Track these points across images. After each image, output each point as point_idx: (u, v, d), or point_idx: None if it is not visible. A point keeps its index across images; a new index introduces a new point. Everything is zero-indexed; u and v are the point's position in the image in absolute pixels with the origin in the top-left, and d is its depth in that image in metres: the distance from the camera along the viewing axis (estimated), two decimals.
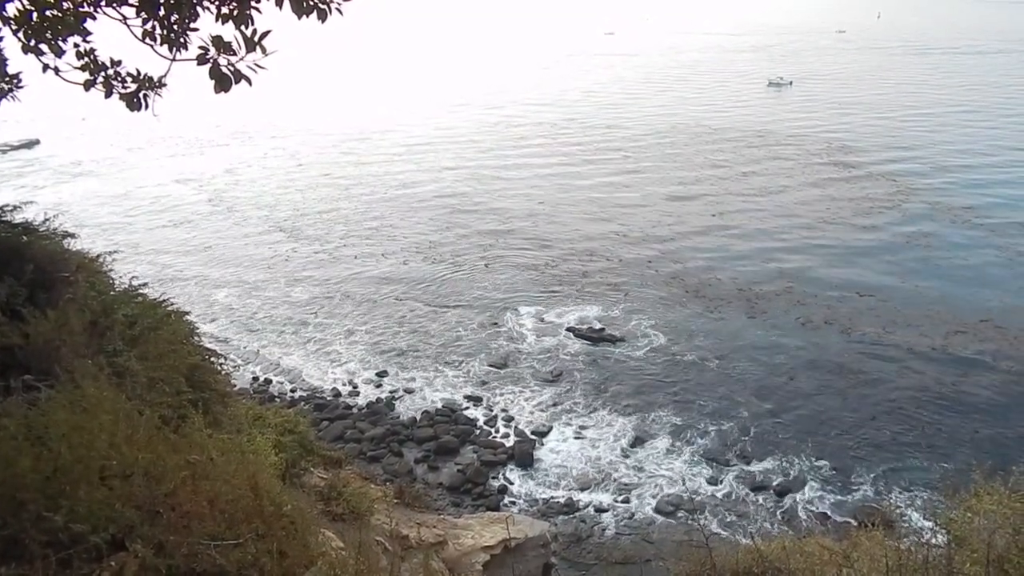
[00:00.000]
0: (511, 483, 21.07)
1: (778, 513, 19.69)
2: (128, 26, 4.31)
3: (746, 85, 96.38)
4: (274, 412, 11.72)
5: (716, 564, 7.31)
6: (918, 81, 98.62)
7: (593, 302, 32.14)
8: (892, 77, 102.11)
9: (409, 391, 26.01)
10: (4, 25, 4.45)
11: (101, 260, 7.79)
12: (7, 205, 6.97)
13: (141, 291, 7.76)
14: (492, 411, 24.67)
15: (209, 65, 4.13)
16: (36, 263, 5.98)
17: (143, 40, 4.33)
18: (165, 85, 4.85)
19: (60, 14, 4.42)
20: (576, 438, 23.12)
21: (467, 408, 24.85)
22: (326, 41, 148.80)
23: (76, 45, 4.65)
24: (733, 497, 20.38)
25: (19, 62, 5.15)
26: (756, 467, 21.46)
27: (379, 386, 26.41)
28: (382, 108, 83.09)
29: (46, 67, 4.64)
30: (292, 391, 26.15)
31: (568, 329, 29.82)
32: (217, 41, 4.09)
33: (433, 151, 62.15)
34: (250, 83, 4.20)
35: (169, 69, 4.56)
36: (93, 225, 40.32)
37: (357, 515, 9.60)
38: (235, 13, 4.16)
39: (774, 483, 20.78)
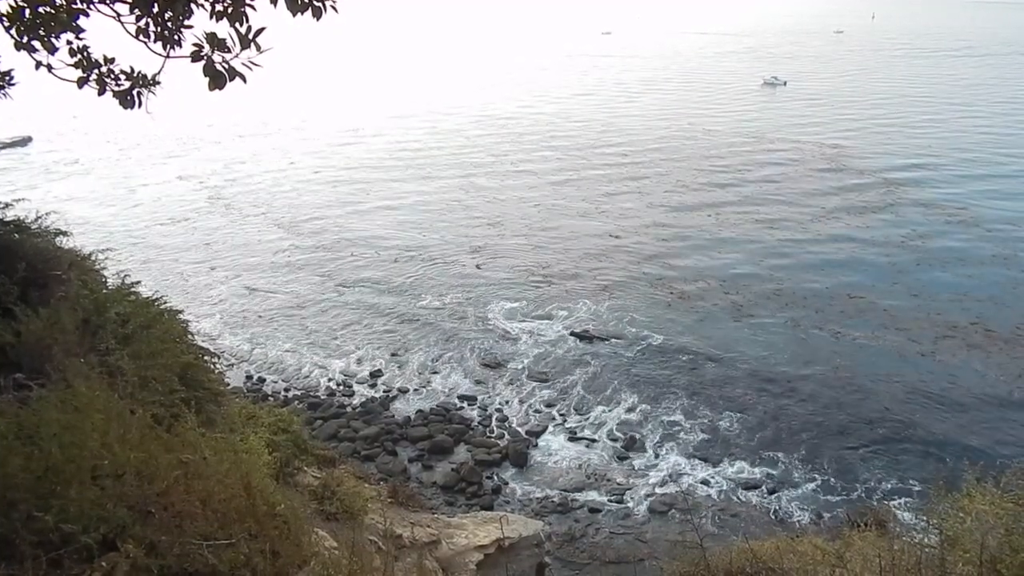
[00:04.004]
0: (505, 482, 21.06)
1: (771, 513, 19.75)
2: (122, 23, 4.28)
3: (741, 85, 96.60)
4: (268, 411, 11.68)
5: (710, 564, 7.32)
6: (913, 82, 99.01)
7: (587, 302, 32.17)
8: (886, 78, 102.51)
9: (403, 390, 25.98)
10: None
11: (93, 258, 7.75)
12: None
13: (134, 289, 7.73)
14: (486, 411, 24.67)
15: (203, 62, 4.11)
16: (28, 261, 5.96)
17: (137, 37, 4.31)
18: (159, 83, 4.84)
19: (53, 11, 4.39)
20: (570, 438, 23.14)
21: (461, 407, 24.84)
22: (321, 39, 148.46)
23: (69, 42, 4.63)
24: (726, 497, 20.43)
25: (11, 59, 5.11)
26: (749, 467, 21.52)
27: (373, 385, 26.37)
28: (375, 108, 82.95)
29: (39, 64, 4.61)
30: (286, 390, 26.07)
31: (562, 329, 29.84)
32: (212, 38, 4.07)
33: (426, 151, 62.04)
34: (244, 80, 4.19)
35: (163, 67, 4.54)
36: (85, 223, 40.07)
37: (351, 514, 9.58)
38: (230, 10, 4.15)
39: (767, 483, 20.85)
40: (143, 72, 4.80)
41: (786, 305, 31.70)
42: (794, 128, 68.12)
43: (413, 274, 35.75)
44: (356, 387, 26.29)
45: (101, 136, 67.64)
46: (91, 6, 4.41)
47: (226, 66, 4.11)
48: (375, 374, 26.99)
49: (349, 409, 24.80)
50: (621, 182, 51.23)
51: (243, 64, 4.12)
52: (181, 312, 8.69)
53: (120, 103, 4.75)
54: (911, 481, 20.47)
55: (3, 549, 3.35)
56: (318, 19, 4.17)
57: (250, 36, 4.02)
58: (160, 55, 4.39)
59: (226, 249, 39.62)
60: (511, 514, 18.14)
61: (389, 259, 37.71)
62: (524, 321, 30.72)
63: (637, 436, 23.07)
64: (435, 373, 27.06)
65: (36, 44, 4.48)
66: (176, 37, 4.35)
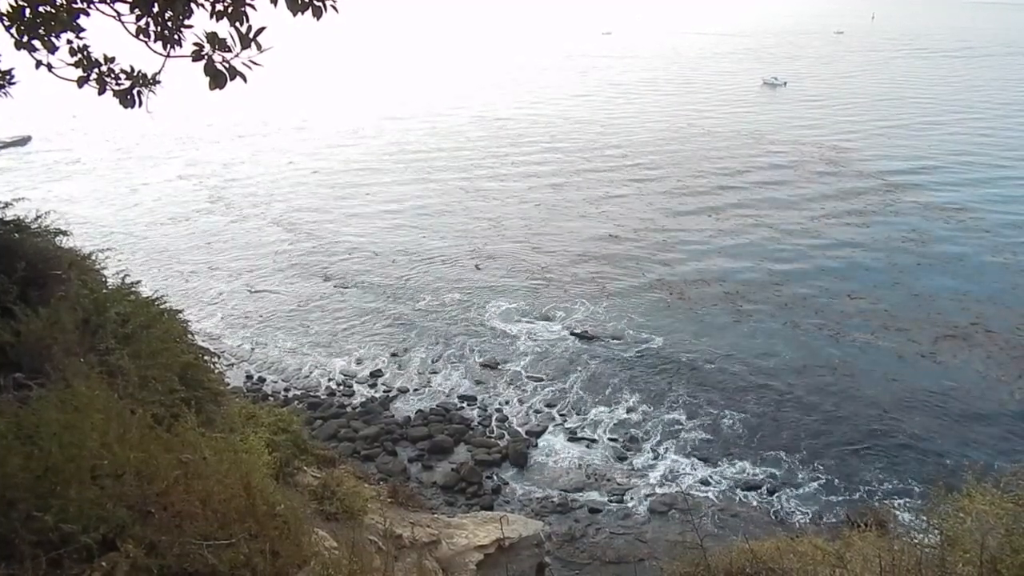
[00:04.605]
0: (505, 482, 21.06)
1: (771, 513, 19.76)
2: (122, 22, 4.28)
3: (741, 85, 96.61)
4: (267, 411, 11.67)
5: (710, 564, 7.32)
6: (913, 83, 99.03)
7: (586, 303, 32.17)
8: (886, 78, 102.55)
9: (403, 390, 25.98)
10: None
11: (93, 258, 7.74)
12: None
13: (134, 289, 7.72)
14: (486, 411, 24.67)
15: (204, 62, 4.11)
16: (28, 260, 5.95)
17: (137, 37, 4.31)
18: (159, 82, 4.84)
19: (53, 10, 4.39)
20: (570, 438, 23.14)
21: (461, 407, 24.83)
22: (321, 39, 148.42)
23: (69, 41, 4.62)
24: (726, 497, 20.43)
25: (11, 58, 5.11)
26: (749, 468, 21.52)
27: (373, 385, 26.37)
28: (375, 108, 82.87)
29: (39, 63, 4.61)
30: (286, 390, 26.07)
31: (562, 329, 29.85)
32: (212, 38, 4.07)
33: (426, 152, 62.01)
34: (245, 80, 4.19)
35: (163, 66, 4.54)
36: (86, 223, 40.08)
37: (351, 514, 9.57)
38: (230, 10, 4.15)
39: (767, 483, 20.85)
40: (143, 71, 4.80)
41: (786, 306, 31.69)
42: (794, 129, 68.13)
43: (412, 274, 35.75)
44: (356, 387, 26.29)
45: (101, 136, 67.61)
46: (91, 5, 4.40)
47: (226, 66, 4.11)
48: (375, 374, 26.99)
49: (349, 409, 24.79)
50: (621, 183, 51.21)
51: (243, 64, 4.12)
52: (181, 312, 8.67)
53: (120, 102, 4.75)
54: (911, 482, 20.47)
55: (3, 549, 3.35)
56: (318, 19, 4.17)
57: (250, 36, 4.02)
58: (160, 55, 4.38)
59: (226, 249, 39.61)
60: (511, 514, 18.12)
61: (388, 259, 37.70)
62: (524, 321, 30.72)
63: (637, 436, 23.07)
64: (435, 373, 27.06)
65: (36, 43, 4.47)
66: (176, 36, 4.34)
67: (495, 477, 21.26)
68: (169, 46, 4.35)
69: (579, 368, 27.03)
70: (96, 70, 4.72)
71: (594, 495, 20.51)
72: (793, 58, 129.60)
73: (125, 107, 4.78)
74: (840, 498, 20.19)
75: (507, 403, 25.08)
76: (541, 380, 26.37)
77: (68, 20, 4.41)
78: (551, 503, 20.08)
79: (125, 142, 65.76)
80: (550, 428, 23.65)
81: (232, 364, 26.23)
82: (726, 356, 27.51)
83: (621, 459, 22.14)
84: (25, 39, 4.43)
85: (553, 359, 27.72)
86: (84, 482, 3.66)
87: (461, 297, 33.09)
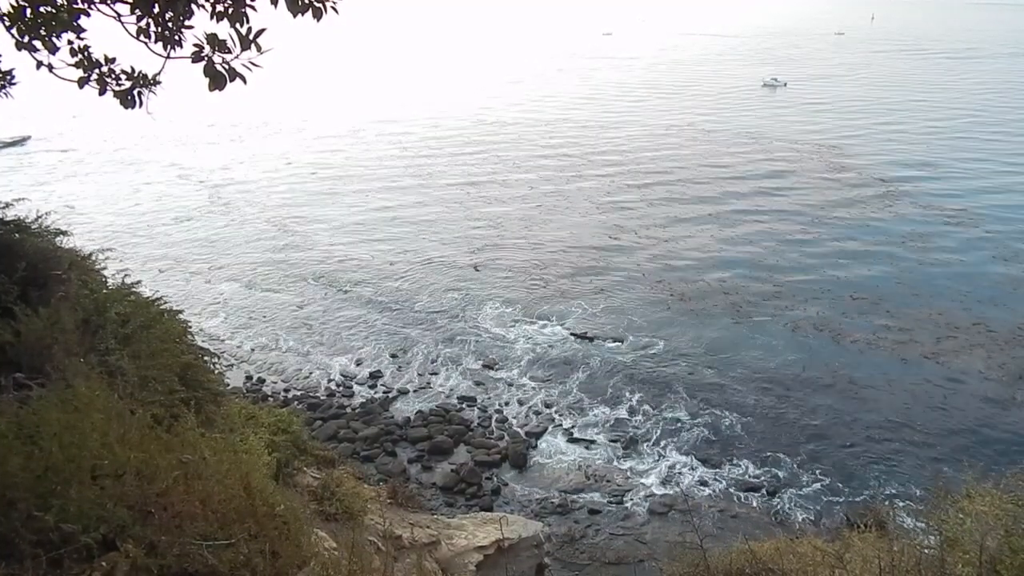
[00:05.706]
0: (505, 483, 21.05)
1: (771, 514, 19.74)
2: (122, 23, 4.28)
3: (741, 86, 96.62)
4: (267, 411, 11.68)
5: (709, 565, 7.33)
6: (913, 83, 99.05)
7: (586, 304, 32.16)
8: (887, 79, 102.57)
9: (403, 391, 25.97)
10: None
11: (93, 258, 7.75)
12: None
13: (134, 289, 7.72)
14: (486, 411, 24.66)
15: (204, 63, 4.11)
16: (28, 261, 5.96)
17: (137, 37, 4.31)
18: (160, 83, 4.84)
19: (54, 10, 4.40)
20: (570, 439, 23.13)
21: (461, 408, 24.82)
22: (322, 40, 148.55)
23: (70, 42, 4.63)
24: (726, 498, 20.42)
25: (12, 58, 5.12)
26: (749, 469, 21.51)
27: (373, 386, 26.37)
28: (376, 109, 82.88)
29: (39, 64, 4.62)
30: (285, 391, 26.06)
31: (562, 330, 29.84)
32: (212, 39, 4.08)
33: (427, 152, 62.05)
34: (245, 81, 4.19)
35: (163, 67, 4.54)
36: (86, 223, 40.10)
37: (350, 515, 9.57)
38: (230, 11, 4.15)
39: (766, 485, 20.83)
40: (144, 72, 4.81)
41: (787, 307, 31.68)
42: (794, 129, 68.15)
43: (412, 276, 35.74)
44: (356, 388, 26.29)
45: (101, 136, 67.62)
46: (92, 6, 4.41)
47: (226, 67, 4.12)
48: (375, 375, 26.98)
49: (349, 410, 24.78)
50: (621, 184, 51.22)
51: (243, 65, 4.13)
52: (181, 312, 8.68)
53: (121, 103, 4.75)
54: (911, 483, 20.46)
55: (3, 548, 3.35)
56: (318, 20, 4.17)
57: (250, 37, 4.03)
58: (161, 55, 4.39)
59: (226, 250, 39.61)
60: (511, 515, 18.11)
61: (388, 261, 37.70)
62: (523, 323, 30.71)
63: (637, 437, 23.06)
64: (434, 374, 27.05)
65: (37, 44, 4.48)
66: (176, 37, 4.35)
67: (495, 478, 21.26)
68: (169, 47, 4.35)
69: (579, 369, 27.02)
70: (97, 71, 4.73)
71: (594, 496, 20.50)
72: (793, 59, 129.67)
73: (125, 108, 4.78)
74: (840, 499, 20.18)
75: (507, 404, 25.08)
76: (541, 381, 26.36)
77: (69, 20, 4.42)
78: (551, 504, 20.08)
79: (125, 143, 65.78)
80: (550, 429, 23.64)
81: (232, 364, 26.22)
82: (726, 357, 27.51)
83: (621, 460, 22.13)
84: (26, 39, 4.44)
85: (553, 360, 27.71)
86: (84, 482, 3.66)
87: (460, 298, 33.09)
